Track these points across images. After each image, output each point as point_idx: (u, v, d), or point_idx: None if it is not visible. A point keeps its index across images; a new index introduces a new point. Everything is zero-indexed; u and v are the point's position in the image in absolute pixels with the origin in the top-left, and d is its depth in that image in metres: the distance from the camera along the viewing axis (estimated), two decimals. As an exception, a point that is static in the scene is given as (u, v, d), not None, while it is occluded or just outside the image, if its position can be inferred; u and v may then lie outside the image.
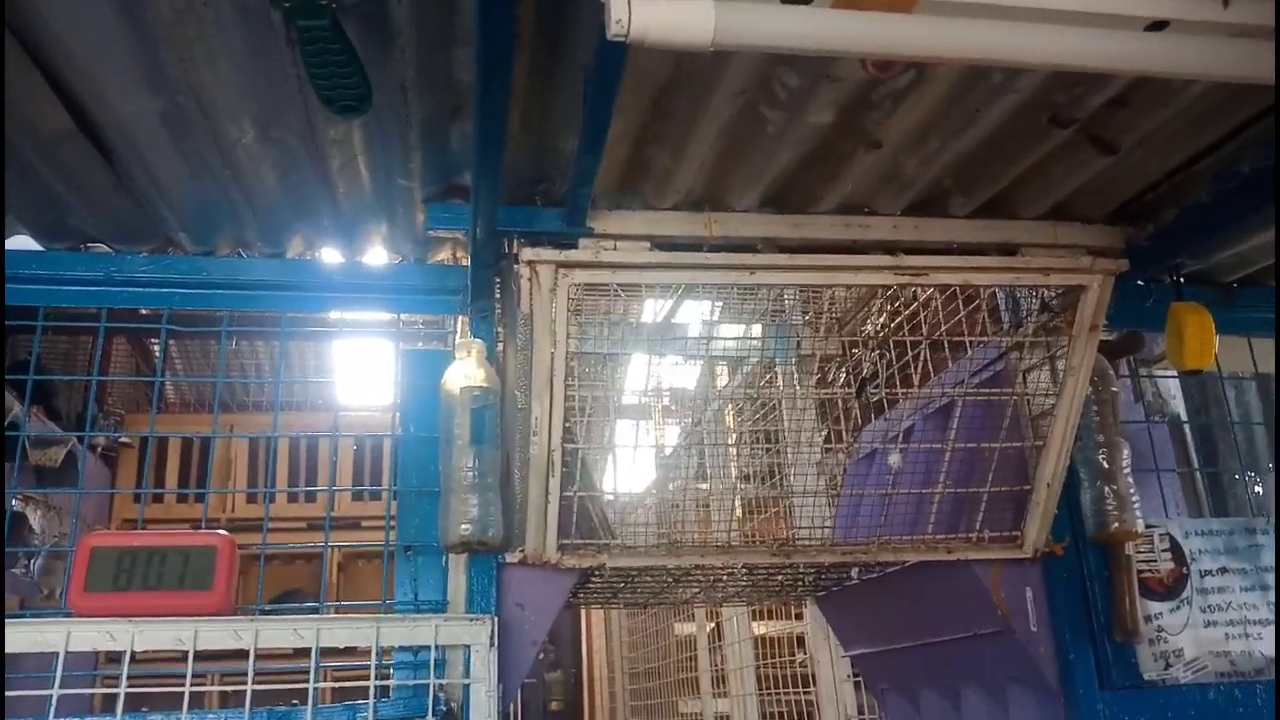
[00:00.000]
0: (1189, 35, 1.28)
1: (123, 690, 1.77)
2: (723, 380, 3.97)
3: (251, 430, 5.77)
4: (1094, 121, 1.78)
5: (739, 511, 3.52)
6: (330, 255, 2.22)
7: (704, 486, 3.37)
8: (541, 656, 7.80)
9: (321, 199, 1.96)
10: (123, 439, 5.58)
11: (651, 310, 3.60)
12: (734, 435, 3.46)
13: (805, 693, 3.90)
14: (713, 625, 4.96)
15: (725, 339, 3.23)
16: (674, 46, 1.15)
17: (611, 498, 2.90)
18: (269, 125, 1.69)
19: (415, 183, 1.90)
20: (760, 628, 4.50)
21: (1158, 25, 1.27)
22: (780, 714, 4.05)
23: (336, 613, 3.18)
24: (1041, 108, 1.71)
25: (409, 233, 2.11)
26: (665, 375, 3.14)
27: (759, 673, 4.33)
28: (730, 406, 3.64)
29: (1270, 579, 2.41)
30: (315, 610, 2.03)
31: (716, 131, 1.72)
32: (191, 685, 1.82)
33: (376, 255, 2.21)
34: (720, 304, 3.71)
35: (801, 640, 4.12)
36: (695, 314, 3.60)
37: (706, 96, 1.61)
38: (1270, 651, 2.32)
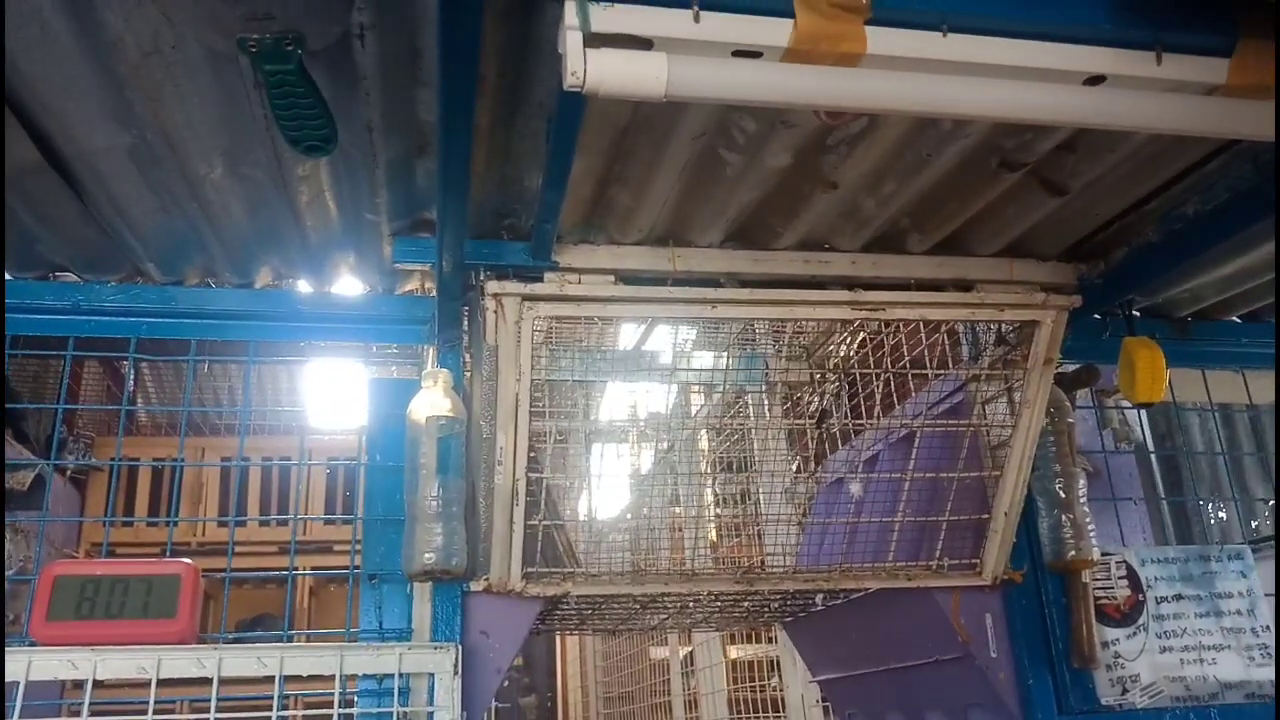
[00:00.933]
0: (1125, 90, 1.33)
1: (84, 720, 1.77)
2: (697, 404, 4.00)
3: (223, 453, 5.76)
4: (1043, 165, 1.83)
5: (712, 536, 3.55)
6: (299, 286, 2.24)
7: (677, 510, 3.40)
8: (509, 682, 7.78)
9: (290, 232, 1.98)
10: (93, 462, 5.55)
11: (625, 338, 3.64)
12: (706, 461, 3.49)
13: (778, 717, 3.92)
14: (687, 650, 4.97)
15: (694, 369, 3.27)
16: (629, 97, 1.20)
17: (585, 520, 2.93)
18: (237, 161, 1.71)
19: (382, 217, 1.93)
20: (734, 652, 4.52)
21: (1095, 80, 1.32)
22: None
23: (304, 640, 3.18)
24: (991, 152, 1.76)
25: (377, 264, 2.14)
26: (640, 400, 3.17)
27: (732, 697, 4.34)
28: (704, 431, 3.68)
29: (1225, 605, 2.46)
30: (280, 638, 2.04)
31: (678, 172, 1.76)
32: (159, 713, 1.82)
33: (345, 286, 2.24)
34: (692, 333, 3.76)
35: (775, 664, 4.14)
36: (666, 341, 3.64)
37: (666, 139, 1.66)
38: (1225, 676, 2.37)
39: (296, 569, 5.79)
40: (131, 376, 6.41)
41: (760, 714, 4.04)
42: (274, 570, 5.52)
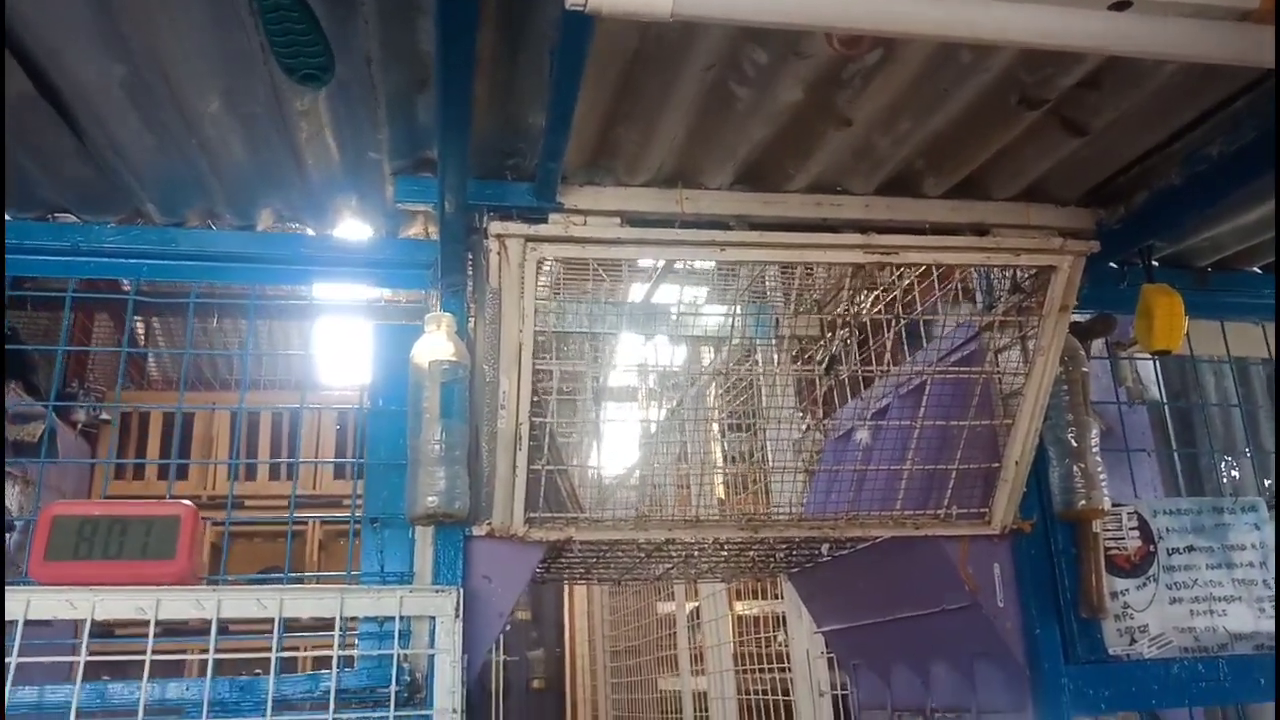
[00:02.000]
0: (1151, 15, 1.27)
1: (82, 659, 1.77)
2: (708, 359, 3.98)
3: (235, 407, 5.75)
4: (1064, 103, 1.78)
5: (720, 491, 3.54)
6: (301, 229, 2.20)
7: (684, 467, 3.39)
8: (518, 636, 7.84)
9: (290, 171, 1.95)
10: (103, 416, 5.56)
11: (634, 293, 3.61)
12: (715, 417, 3.47)
13: (782, 668, 3.93)
14: (693, 605, 4.98)
15: (706, 313, 3.24)
16: (634, 16, 1.15)
17: (593, 477, 2.92)
18: (234, 96, 1.67)
19: (384, 155, 1.89)
20: (740, 607, 4.52)
21: (1120, 5, 1.27)
22: (760, 691, 4.08)
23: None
24: (1011, 88, 1.71)
25: (379, 206, 2.10)
26: (651, 355, 3.14)
27: (739, 651, 4.36)
28: (713, 386, 3.66)
29: (1237, 556, 2.43)
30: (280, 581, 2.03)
31: (686, 108, 1.71)
32: (174, 655, 1.83)
33: (348, 229, 2.20)
34: (703, 291, 3.72)
35: (782, 620, 4.14)
36: (674, 296, 3.61)
37: (674, 72, 1.61)
38: (1235, 627, 2.35)
39: (304, 520, 5.84)
40: (139, 325, 6.42)
41: (765, 665, 4.04)
42: (284, 523, 5.56)
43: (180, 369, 6.97)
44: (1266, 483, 4.22)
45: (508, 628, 7.45)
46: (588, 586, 7.12)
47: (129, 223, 2.13)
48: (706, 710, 4.59)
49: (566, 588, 7.69)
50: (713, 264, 3.51)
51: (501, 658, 7.71)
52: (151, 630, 1.82)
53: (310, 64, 1.40)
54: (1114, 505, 2.35)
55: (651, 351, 3.17)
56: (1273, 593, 2.41)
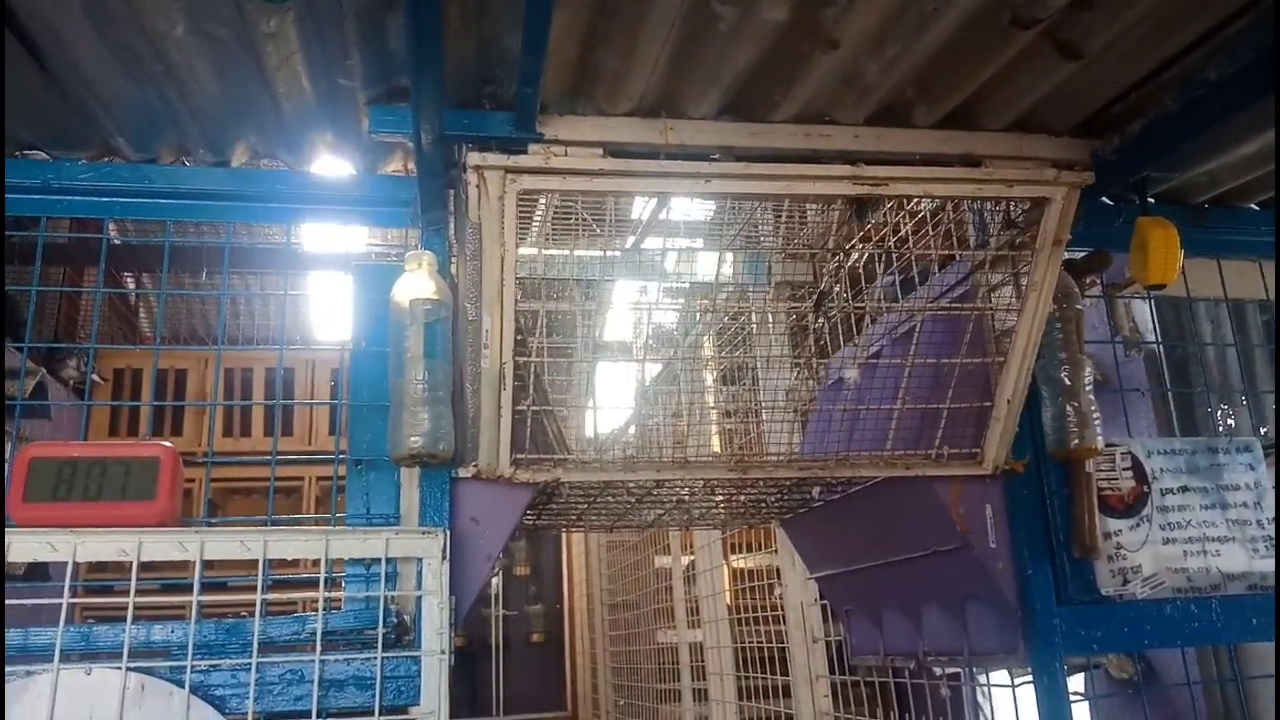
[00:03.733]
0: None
1: (65, 601, 1.75)
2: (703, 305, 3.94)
3: (228, 365, 5.73)
4: (1057, 24, 1.72)
5: (715, 443, 3.52)
6: (277, 165, 2.15)
7: (680, 421, 3.37)
8: (509, 587, 7.89)
9: (262, 101, 1.89)
10: (94, 375, 5.52)
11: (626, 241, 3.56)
12: (711, 363, 3.44)
13: (776, 615, 3.93)
14: (689, 558, 4.99)
15: (696, 249, 3.20)
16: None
17: (590, 414, 2.89)
18: (199, 17, 1.61)
19: (356, 83, 1.84)
20: (738, 560, 4.53)
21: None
22: (755, 642, 4.09)
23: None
24: (1002, 7, 1.65)
25: (356, 140, 2.04)
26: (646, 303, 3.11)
27: (735, 603, 4.36)
28: (708, 335, 3.62)
29: (1231, 497, 2.41)
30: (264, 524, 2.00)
31: (667, 28, 1.65)
32: (164, 609, 1.81)
33: (325, 165, 2.15)
34: (699, 241, 3.68)
35: (777, 572, 4.14)
36: (660, 244, 3.57)
37: (654, -13, 1.55)
38: (1228, 567, 2.33)
39: (300, 477, 5.84)
40: (129, 281, 6.37)
41: (760, 614, 4.05)
42: (282, 480, 5.55)
43: (172, 325, 6.94)
44: (1263, 430, 4.21)
45: (498, 579, 7.49)
46: (585, 541, 7.14)
47: (100, 159, 2.08)
48: (703, 660, 4.61)
49: (564, 542, 7.71)
50: (705, 214, 3.46)
51: (501, 612, 7.75)
52: (134, 571, 1.80)
53: (272, -22, 1.34)
54: (1108, 445, 2.33)
55: (646, 299, 3.14)
56: (1266, 533, 2.39)
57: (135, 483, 1.83)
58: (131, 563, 1.79)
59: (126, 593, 1.78)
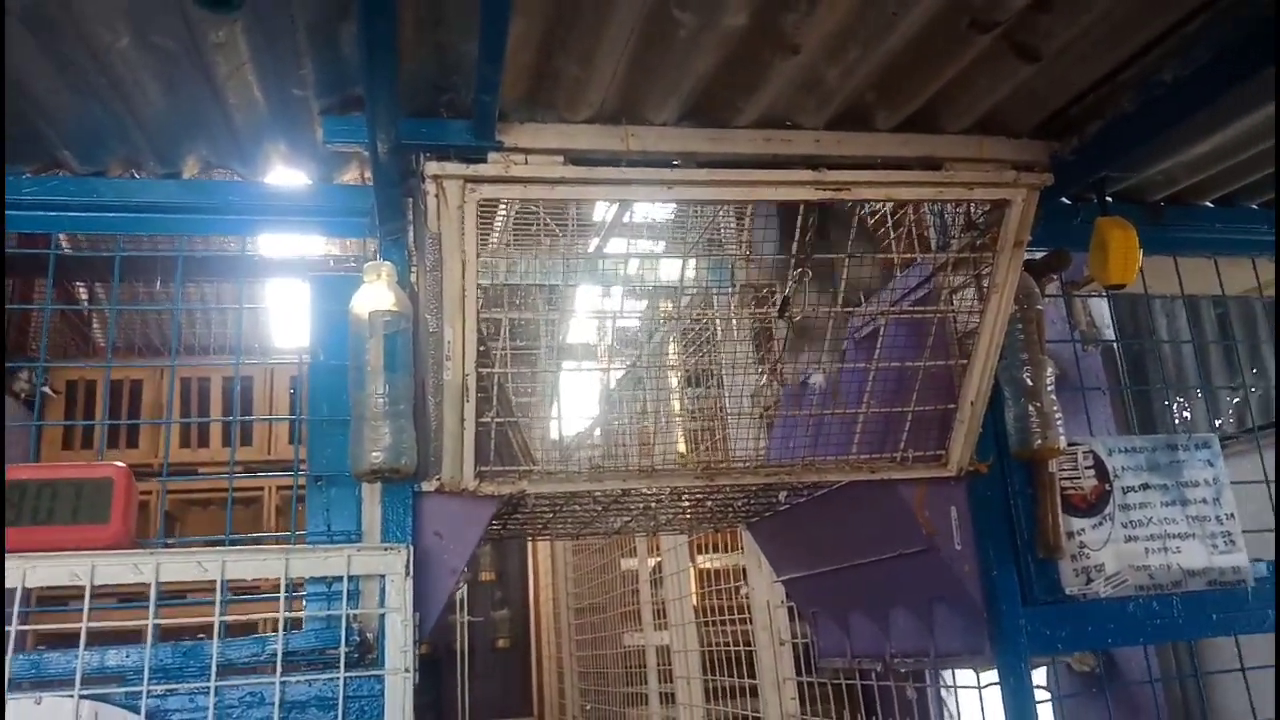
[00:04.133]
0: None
1: (14, 628, 1.70)
2: (666, 309, 3.93)
3: (184, 375, 5.62)
4: (1015, 27, 1.72)
5: (681, 446, 3.51)
6: (230, 176, 2.10)
7: (647, 425, 3.35)
8: (475, 593, 7.83)
9: (213, 113, 1.85)
10: (45, 388, 5.40)
11: (590, 245, 3.54)
12: (676, 368, 3.43)
13: (743, 618, 3.93)
14: (656, 560, 4.98)
15: (657, 255, 3.18)
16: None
17: (554, 424, 2.86)
18: (145, 28, 1.57)
19: (309, 93, 1.80)
20: (703, 560, 4.52)
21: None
22: (723, 644, 4.08)
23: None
24: (961, 10, 1.65)
25: (310, 150, 2.00)
26: (609, 307, 3.09)
27: (702, 604, 4.36)
28: (672, 339, 3.61)
29: (1191, 493, 2.44)
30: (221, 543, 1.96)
31: (627, 35, 1.63)
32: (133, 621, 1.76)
33: (279, 176, 2.10)
34: (660, 245, 3.66)
35: (743, 572, 4.14)
36: (623, 248, 3.55)
37: (611, -6, 1.53)
38: (1188, 564, 2.36)
39: (260, 488, 5.74)
40: (81, 292, 6.23)
41: (728, 617, 4.05)
42: (241, 491, 5.46)
43: (126, 335, 6.79)
44: (1218, 422, 4.28)
45: (463, 588, 7.42)
46: (551, 545, 7.10)
47: (47, 172, 2.02)
48: (670, 664, 4.60)
49: (530, 547, 7.67)
50: (666, 216, 3.45)
51: (466, 618, 7.70)
52: (88, 596, 1.75)
53: (219, -13, 1.30)
54: (1070, 444, 2.35)
55: (609, 304, 3.12)
56: (1225, 528, 2.42)
57: (87, 505, 1.77)
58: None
59: (79, 617, 1.73)
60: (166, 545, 1.97)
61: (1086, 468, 2.38)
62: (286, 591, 1.82)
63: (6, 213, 2.01)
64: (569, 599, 6.96)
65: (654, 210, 3.45)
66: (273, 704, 1.77)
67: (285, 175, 2.11)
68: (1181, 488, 2.44)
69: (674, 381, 3.46)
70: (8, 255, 2.00)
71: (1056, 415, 2.27)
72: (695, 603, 4.42)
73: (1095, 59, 1.83)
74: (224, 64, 1.69)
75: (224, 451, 5.63)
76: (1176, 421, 4.36)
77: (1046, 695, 2.58)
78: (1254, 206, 2.64)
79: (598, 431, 3.63)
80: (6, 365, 4.99)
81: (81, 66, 1.66)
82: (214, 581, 1.81)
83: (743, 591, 4.01)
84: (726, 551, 4.41)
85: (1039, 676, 2.53)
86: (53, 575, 1.75)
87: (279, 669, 1.79)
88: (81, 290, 6.61)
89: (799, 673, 3.58)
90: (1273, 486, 2.60)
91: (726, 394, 3.15)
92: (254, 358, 6.16)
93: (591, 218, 3.51)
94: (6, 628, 1.68)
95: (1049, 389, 2.27)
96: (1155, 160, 2.31)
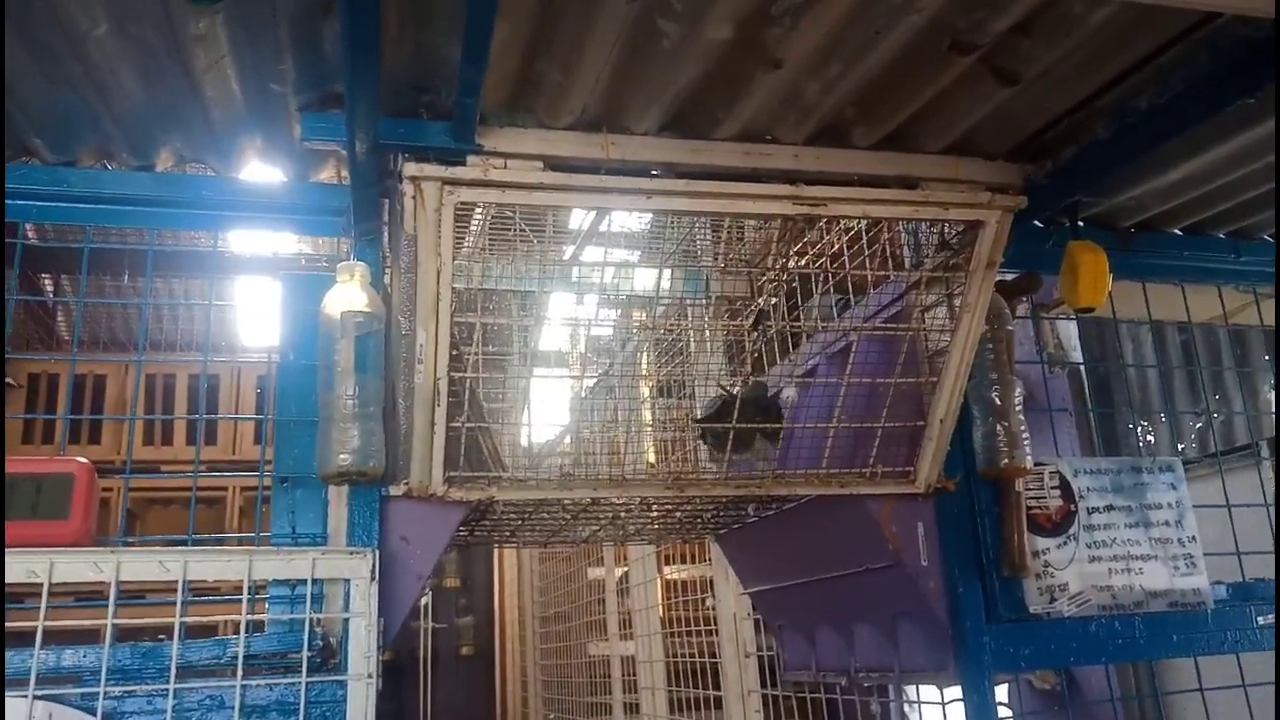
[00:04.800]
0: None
1: (-34, 626, 1.66)
2: (639, 319, 3.93)
3: (150, 370, 5.54)
4: (996, 50, 1.74)
5: (651, 456, 3.50)
6: (204, 170, 2.08)
7: (617, 435, 3.35)
8: (439, 599, 7.76)
9: (190, 106, 1.83)
10: (8, 379, 5.29)
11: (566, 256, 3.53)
12: (648, 378, 3.43)
13: (709, 629, 3.93)
14: (623, 570, 4.96)
15: (633, 265, 3.18)
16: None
17: (525, 431, 2.85)
18: (123, 17, 1.55)
19: (289, 89, 1.78)
20: (671, 572, 4.51)
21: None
22: (688, 655, 4.08)
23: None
24: (943, 32, 1.67)
25: (287, 147, 1.98)
26: (582, 315, 3.08)
27: (669, 615, 4.35)
28: (645, 350, 3.61)
29: (1154, 515, 2.47)
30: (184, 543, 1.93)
31: (611, 42, 1.64)
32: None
33: (254, 172, 2.08)
34: (635, 255, 3.66)
35: (710, 583, 4.14)
36: (603, 257, 3.55)
37: (598, 1, 1.53)
38: (1150, 585, 2.38)
39: (224, 488, 5.66)
40: (47, 283, 6.12)
41: (694, 628, 4.04)
42: (204, 490, 5.38)
43: (91, 330, 6.68)
44: (1180, 446, 4.35)
45: (428, 594, 7.36)
46: (518, 552, 7.06)
47: (16, 161, 1.99)
48: (635, 674, 4.58)
49: (496, 554, 7.62)
50: (642, 225, 3.45)
51: (430, 625, 7.63)
52: (45, 594, 1.71)
53: (201, -21, 1.29)
54: (1036, 464, 2.37)
55: (583, 312, 3.12)
56: (1187, 551, 2.45)
57: (47, 501, 1.74)
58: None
59: (35, 615, 1.69)
60: (128, 544, 1.93)
61: (1052, 488, 2.40)
62: (249, 594, 1.79)
63: (-29, 201, 1.97)
64: (535, 607, 6.92)
65: (630, 220, 3.45)
66: (233, 708, 1.74)
67: (261, 171, 2.09)
68: (1145, 510, 2.47)
69: (646, 391, 3.45)
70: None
71: (1024, 435, 2.29)
72: (662, 613, 4.41)
73: (1072, 84, 1.86)
74: (203, 56, 1.67)
75: (188, 450, 5.53)
76: (1140, 445, 4.42)
77: (1009, 712, 2.60)
78: (1221, 235, 2.69)
79: (568, 439, 3.62)
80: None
81: (57, 53, 1.64)
82: (174, 582, 1.77)
83: (709, 603, 4.01)
84: (694, 563, 4.41)
85: (1001, 694, 2.54)
86: (10, 572, 1.71)
87: (240, 672, 1.76)
88: (47, 282, 6.50)
89: (764, 685, 3.58)
90: (1272, 510, 2.65)
91: (699, 405, 3.16)
92: (222, 356, 6.09)
93: (568, 225, 3.51)
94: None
95: (1017, 409, 2.29)
96: (1127, 187, 2.35)
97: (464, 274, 2.85)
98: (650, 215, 3.17)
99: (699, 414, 2.56)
